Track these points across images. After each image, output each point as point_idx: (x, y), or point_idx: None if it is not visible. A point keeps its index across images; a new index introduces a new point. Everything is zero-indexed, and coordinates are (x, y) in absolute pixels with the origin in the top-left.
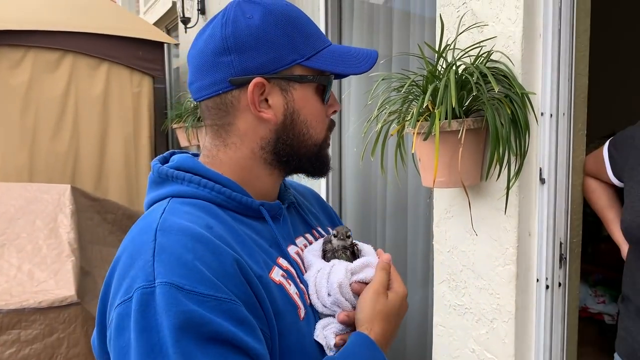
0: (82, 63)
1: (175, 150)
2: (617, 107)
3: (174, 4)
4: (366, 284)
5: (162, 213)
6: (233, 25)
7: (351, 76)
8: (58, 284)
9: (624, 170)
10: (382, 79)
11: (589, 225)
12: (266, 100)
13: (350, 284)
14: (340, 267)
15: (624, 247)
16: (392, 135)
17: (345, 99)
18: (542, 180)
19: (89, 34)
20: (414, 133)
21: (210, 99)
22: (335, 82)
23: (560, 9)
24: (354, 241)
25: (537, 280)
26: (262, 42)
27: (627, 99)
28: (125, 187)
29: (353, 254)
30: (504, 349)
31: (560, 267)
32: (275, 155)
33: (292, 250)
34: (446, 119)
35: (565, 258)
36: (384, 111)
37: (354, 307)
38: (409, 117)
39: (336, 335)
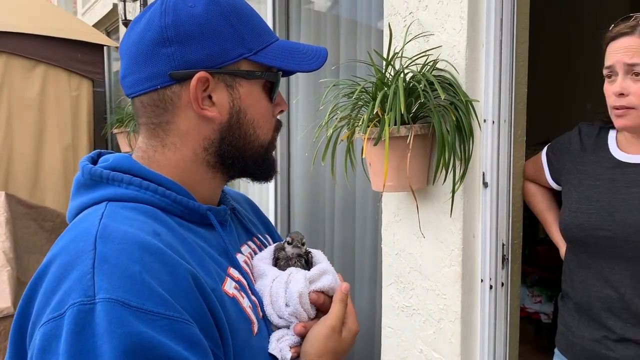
0: (16, 64)
1: (103, 151)
2: (552, 115)
3: (115, 5)
4: (323, 292)
5: (101, 218)
6: (174, 13)
7: (301, 81)
8: None
9: (561, 174)
10: (334, 85)
11: (526, 228)
12: (210, 97)
13: (308, 294)
14: (299, 276)
15: (563, 248)
16: (342, 140)
17: (294, 105)
18: (485, 184)
19: (24, 34)
20: (364, 138)
21: (147, 94)
22: (284, 85)
23: (501, 20)
24: (307, 249)
25: (482, 280)
26: (206, 33)
27: (561, 108)
28: (63, 194)
29: (307, 262)
30: (451, 349)
31: (502, 268)
32: (219, 157)
33: (240, 259)
34: (395, 124)
35: (507, 259)
36: (335, 117)
37: (311, 318)
38: (360, 123)
39: (291, 348)
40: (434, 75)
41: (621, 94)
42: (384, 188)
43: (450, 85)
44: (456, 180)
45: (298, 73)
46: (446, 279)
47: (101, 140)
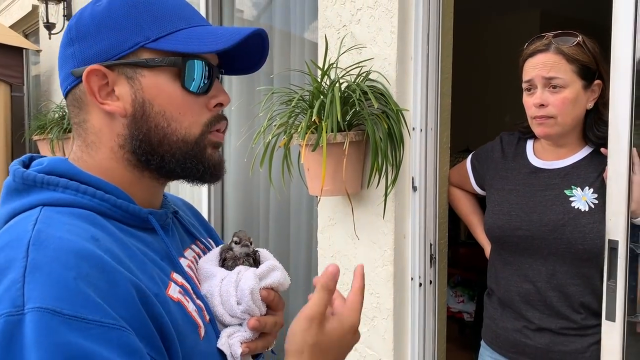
0: None
1: (35, 155)
2: (473, 125)
3: (35, 7)
4: (273, 289)
5: (35, 224)
6: (79, 14)
7: (235, 88)
8: None
9: (485, 180)
10: (272, 93)
11: (449, 230)
12: (114, 90)
13: (259, 291)
14: (249, 274)
15: (487, 248)
16: (280, 147)
17: (229, 112)
18: (414, 188)
19: None
20: (302, 145)
21: (67, 96)
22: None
23: (428, 35)
24: (257, 249)
25: (412, 278)
26: (102, 28)
27: (482, 118)
28: None
29: (255, 261)
30: (384, 345)
31: (430, 266)
32: (134, 154)
33: (183, 263)
34: (332, 132)
35: (435, 258)
36: (273, 124)
37: (262, 315)
38: (298, 130)
39: (242, 344)
40: (367, 86)
41: (541, 105)
42: (321, 192)
43: (382, 95)
44: (388, 184)
45: (233, 78)
46: (379, 278)
47: (20, 146)
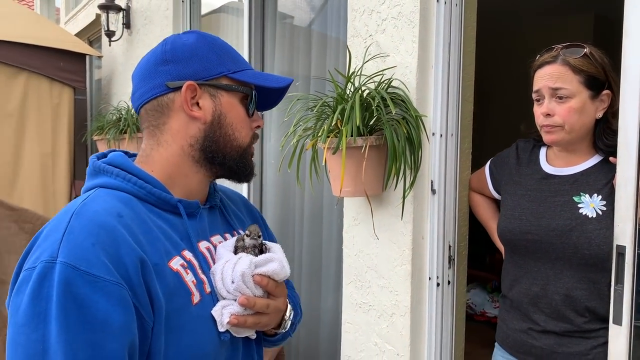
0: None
1: (115, 149)
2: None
3: (98, 16)
4: (269, 277)
5: (85, 199)
6: (172, 44)
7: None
8: None
9: (500, 185)
10: (298, 99)
11: (487, 236)
12: (197, 103)
13: (253, 276)
14: (245, 260)
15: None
16: (307, 149)
17: (267, 115)
18: (433, 191)
19: (8, 42)
20: (324, 147)
21: (149, 102)
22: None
23: (449, 44)
24: (263, 241)
25: (430, 278)
26: (195, 56)
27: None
28: (40, 198)
29: (261, 252)
30: (402, 340)
31: (449, 267)
32: (202, 152)
33: (203, 245)
34: (352, 136)
35: (454, 259)
36: (299, 127)
37: (256, 296)
38: (320, 133)
39: (231, 315)
40: (389, 93)
41: (548, 115)
42: (340, 193)
43: (402, 102)
44: (406, 187)
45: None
46: (398, 276)
47: (81, 146)
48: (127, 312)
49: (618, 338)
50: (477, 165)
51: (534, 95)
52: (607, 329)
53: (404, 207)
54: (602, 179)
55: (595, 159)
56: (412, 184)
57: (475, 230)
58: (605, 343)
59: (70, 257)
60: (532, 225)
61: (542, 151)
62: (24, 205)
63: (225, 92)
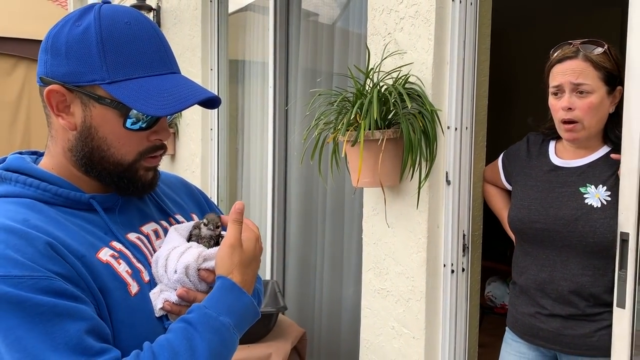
0: (36, 70)
1: (23, 151)
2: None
3: None
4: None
5: None
6: (59, 29)
7: (294, 88)
8: None
9: (512, 176)
10: (319, 95)
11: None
12: (70, 107)
13: (199, 269)
14: (193, 251)
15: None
16: (328, 142)
17: (291, 108)
18: (448, 182)
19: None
20: (344, 140)
21: (40, 88)
22: (283, 91)
23: (464, 42)
24: (221, 232)
25: (444, 265)
26: (72, 53)
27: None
28: None
29: (217, 245)
30: (417, 324)
31: (463, 255)
32: (77, 160)
33: (132, 236)
34: (370, 129)
35: (468, 247)
36: (321, 122)
37: (198, 290)
38: (340, 127)
39: (165, 301)
40: (405, 88)
41: (569, 109)
42: (358, 184)
43: (418, 96)
44: (422, 178)
45: (293, 78)
46: (414, 263)
47: None
48: (73, 300)
49: (622, 320)
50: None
51: (552, 90)
52: (610, 312)
53: (420, 197)
54: (608, 171)
55: (602, 151)
56: (427, 175)
57: (496, 223)
58: (609, 326)
59: None
60: (540, 214)
61: (552, 144)
62: None
63: (97, 103)
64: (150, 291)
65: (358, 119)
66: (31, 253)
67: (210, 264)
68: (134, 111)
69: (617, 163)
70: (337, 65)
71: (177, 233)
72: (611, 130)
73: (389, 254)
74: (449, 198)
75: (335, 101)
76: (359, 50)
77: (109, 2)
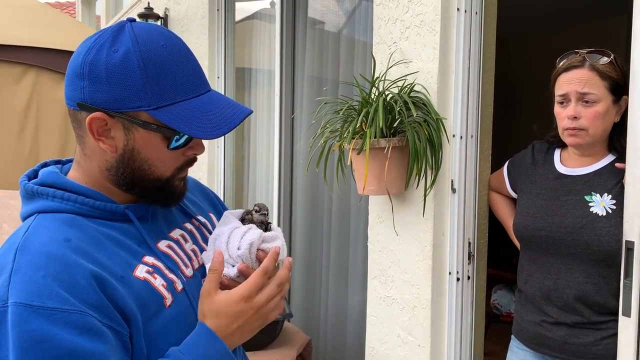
0: (45, 77)
1: (47, 162)
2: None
3: None
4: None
5: (26, 231)
6: (95, 54)
7: (300, 97)
8: None
9: (517, 184)
10: (325, 103)
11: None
12: (110, 131)
13: (258, 249)
14: (255, 231)
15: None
16: (334, 150)
17: (297, 116)
18: (454, 190)
19: (53, 49)
20: (349, 148)
21: (69, 109)
22: (289, 96)
23: (469, 51)
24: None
25: (450, 273)
26: (113, 80)
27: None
28: None
29: (266, 230)
30: (423, 332)
31: (469, 263)
32: (117, 180)
33: (163, 244)
34: (376, 137)
35: (473, 255)
36: (326, 130)
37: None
38: (346, 135)
39: (224, 276)
40: (411, 97)
41: (575, 117)
42: (364, 191)
43: (424, 105)
44: (427, 186)
45: (300, 85)
46: (419, 271)
47: None
48: (96, 338)
49: (627, 329)
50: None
51: (558, 98)
52: (615, 320)
53: (425, 205)
54: (613, 179)
55: (607, 160)
56: (432, 183)
57: (501, 231)
58: (615, 334)
59: (21, 295)
60: (545, 222)
61: (557, 152)
62: None
63: (141, 128)
64: (185, 297)
65: (364, 127)
66: (68, 281)
67: (267, 246)
68: (178, 137)
69: (622, 172)
70: (342, 74)
71: (232, 215)
72: (616, 139)
73: (394, 261)
74: (454, 206)
75: (341, 109)
76: (365, 59)
77: (134, 20)
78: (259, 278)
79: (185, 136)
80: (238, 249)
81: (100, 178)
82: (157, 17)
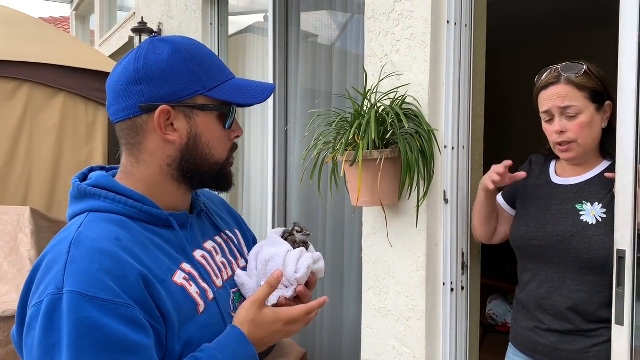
0: (38, 93)
1: (94, 167)
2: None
3: (131, 38)
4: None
5: (79, 227)
6: (144, 59)
7: (294, 109)
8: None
9: (515, 198)
10: (318, 116)
11: (507, 247)
12: (172, 124)
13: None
14: (309, 255)
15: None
16: (327, 162)
17: (291, 128)
18: (446, 201)
19: (47, 64)
20: (342, 160)
21: (124, 121)
22: (282, 111)
23: (460, 63)
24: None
25: (444, 283)
26: (168, 75)
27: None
28: None
29: (307, 249)
30: (418, 343)
31: (462, 273)
32: (180, 172)
33: (198, 254)
34: (368, 149)
35: (467, 265)
36: (320, 142)
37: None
38: (339, 147)
39: (281, 296)
40: (402, 109)
41: (561, 132)
42: (357, 203)
43: (415, 117)
44: (420, 197)
45: (294, 100)
46: (414, 282)
47: (115, 161)
48: (141, 332)
49: (620, 337)
50: None
51: (543, 116)
52: (607, 328)
53: (419, 216)
54: (604, 189)
55: (598, 169)
56: (425, 194)
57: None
58: (606, 342)
59: (77, 284)
60: (538, 231)
61: (552, 164)
62: (62, 218)
63: (200, 112)
64: (215, 306)
65: (356, 139)
66: (119, 277)
67: (315, 267)
68: (232, 111)
69: (613, 182)
70: (335, 86)
71: (277, 235)
72: (608, 144)
73: (388, 272)
74: (447, 217)
75: (334, 122)
76: (357, 71)
77: (157, 35)
78: (303, 311)
79: (232, 120)
80: (296, 272)
81: (159, 180)
82: (151, 32)
